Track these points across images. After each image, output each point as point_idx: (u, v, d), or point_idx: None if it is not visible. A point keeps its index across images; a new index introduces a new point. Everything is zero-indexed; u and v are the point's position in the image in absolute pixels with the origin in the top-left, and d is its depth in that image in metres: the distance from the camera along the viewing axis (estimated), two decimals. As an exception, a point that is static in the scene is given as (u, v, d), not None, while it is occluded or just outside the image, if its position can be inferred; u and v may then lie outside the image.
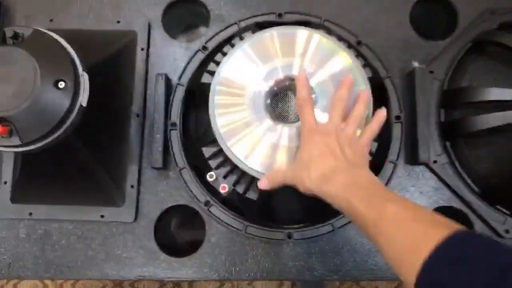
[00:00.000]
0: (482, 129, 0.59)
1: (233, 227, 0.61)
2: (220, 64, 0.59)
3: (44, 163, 0.59)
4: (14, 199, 0.63)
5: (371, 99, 0.57)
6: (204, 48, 0.66)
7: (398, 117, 0.64)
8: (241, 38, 0.63)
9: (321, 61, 0.57)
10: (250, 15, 0.67)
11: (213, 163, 0.59)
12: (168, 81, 0.65)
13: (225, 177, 0.59)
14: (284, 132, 0.55)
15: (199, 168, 0.62)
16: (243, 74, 0.58)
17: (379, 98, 0.63)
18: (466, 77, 0.64)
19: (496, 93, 0.59)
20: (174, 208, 0.64)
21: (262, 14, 0.67)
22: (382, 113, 0.55)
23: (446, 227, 0.37)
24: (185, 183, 0.62)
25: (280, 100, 0.60)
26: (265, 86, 0.57)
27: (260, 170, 0.55)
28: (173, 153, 0.63)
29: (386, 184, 0.63)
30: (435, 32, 0.71)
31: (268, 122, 0.56)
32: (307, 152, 0.51)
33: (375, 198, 0.44)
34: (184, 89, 0.65)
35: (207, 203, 0.61)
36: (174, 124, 0.63)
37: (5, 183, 0.64)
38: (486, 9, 0.67)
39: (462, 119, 0.62)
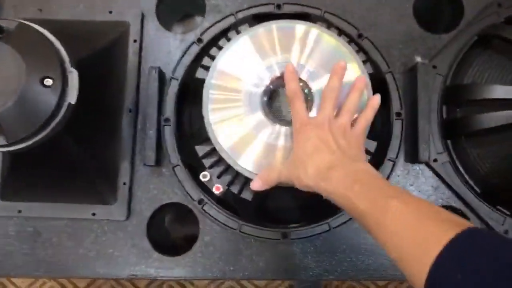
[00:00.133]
0: (485, 128, 0.57)
1: (227, 226, 0.60)
2: (216, 58, 0.57)
3: (34, 160, 0.57)
4: (2, 196, 0.62)
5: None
6: (199, 40, 0.63)
7: (398, 114, 0.62)
8: (238, 32, 0.60)
9: (320, 58, 0.55)
10: (248, 5, 0.65)
11: (206, 162, 0.57)
12: (161, 74, 0.63)
13: (219, 176, 0.57)
14: (281, 132, 0.54)
15: (193, 166, 0.60)
16: (239, 69, 0.56)
17: (380, 94, 0.61)
18: (470, 72, 0.62)
19: (501, 91, 0.57)
20: (168, 206, 0.63)
21: (260, 5, 0.64)
22: (376, 99, 0.53)
23: (455, 225, 0.35)
24: (179, 180, 0.61)
25: (277, 98, 0.58)
26: (262, 83, 0.55)
27: (253, 170, 0.53)
28: (167, 150, 0.61)
29: (385, 183, 0.61)
30: (439, 25, 0.68)
31: (264, 121, 0.54)
32: (302, 147, 0.49)
33: (376, 193, 0.42)
34: (178, 83, 0.62)
35: (201, 202, 0.60)
36: (167, 120, 0.61)
37: (-6, 179, 0.62)
38: (492, 1, 0.64)
39: (464, 118, 0.60)
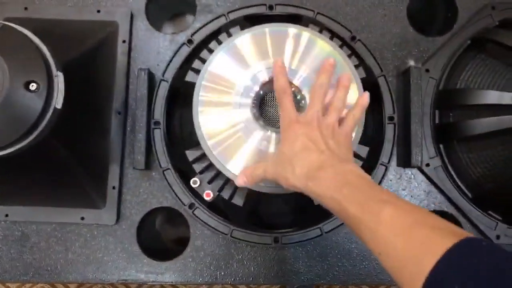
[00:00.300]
0: (478, 133, 0.57)
1: (218, 230, 0.59)
2: (207, 61, 0.55)
3: (21, 164, 0.56)
4: (-11, 200, 0.60)
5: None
6: (190, 41, 0.62)
7: (391, 118, 0.61)
8: (229, 35, 0.59)
9: (313, 63, 0.54)
10: (239, 6, 0.63)
11: (197, 167, 0.56)
12: (151, 76, 0.61)
13: (210, 182, 0.56)
14: (272, 137, 0.53)
15: (184, 170, 0.59)
16: (231, 73, 0.54)
17: (373, 97, 0.61)
18: (463, 76, 0.62)
19: (493, 96, 0.57)
20: (158, 210, 0.62)
21: (252, 6, 0.63)
22: (364, 97, 0.52)
23: (451, 234, 0.34)
24: (169, 184, 0.60)
25: (268, 103, 0.57)
26: (253, 87, 0.54)
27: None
28: (156, 153, 0.60)
29: (377, 187, 0.61)
30: (432, 27, 0.68)
31: (254, 125, 0.53)
32: (289, 146, 0.47)
33: (368, 198, 0.40)
34: (168, 85, 0.61)
35: (191, 206, 0.59)
36: (157, 123, 0.60)
37: (-20, 183, 0.61)
38: (486, 4, 0.64)
39: (457, 122, 0.60)
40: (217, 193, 0.56)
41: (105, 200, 0.60)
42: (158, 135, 0.60)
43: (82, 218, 0.60)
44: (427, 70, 0.62)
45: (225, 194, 0.56)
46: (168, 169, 0.59)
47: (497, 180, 0.59)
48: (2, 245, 0.61)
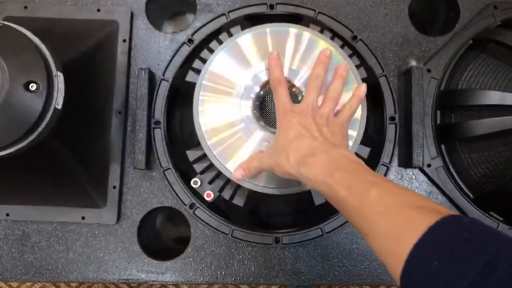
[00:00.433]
0: (479, 134, 0.57)
1: (219, 230, 0.59)
2: (208, 61, 0.55)
3: (22, 163, 0.56)
4: (-11, 199, 0.60)
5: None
6: (190, 41, 0.62)
7: (392, 118, 0.61)
8: (230, 34, 0.59)
9: (313, 63, 0.54)
10: (240, 5, 0.63)
11: (198, 167, 0.56)
12: (151, 75, 0.61)
13: (210, 182, 0.56)
14: (272, 137, 0.52)
15: (185, 170, 0.59)
16: (231, 73, 0.54)
17: (374, 97, 0.61)
18: (465, 76, 0.61)
19: (495, 97, 0.56)
20: (158, 210, 0.62)
21: (253, 5, 0.63)
22: (361, 89, 0.52)
23: (434, 212, 0.33)
24: (170, 184, 0.60)
25: (269, 103, 0.57)
26: (254, 87, 0.54)
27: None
28: (157, 153, 0.60)
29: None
30: (434, 27, 0.67)
31: (255, 125, 0.53)
32: (284, 135, 0.47)
33: (358, 181, 0.40)
34: (168, 84, 0.61)
35: (192, 206, 0.59)
36: (158, 122, 0.60)
37: (-19, 182, 0.61)
38: (488, 3, 0.63)
39: (458, 123, 0.59)
40: (218, 193, 0.56)
41: (106, 200, 0.60)
42: (159, 134, 0.60)
43: (83, 218, 0.60)
44: (429, 70, 0.62)
45: (226, 195, 0.56)
46: (169, 168, 0.59)
47: (498, 180, 0.59)
48: (3, 244, 0.61)
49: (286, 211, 0.62)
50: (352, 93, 0.52)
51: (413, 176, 0.62)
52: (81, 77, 0.58)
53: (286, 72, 0.54)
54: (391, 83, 0.62)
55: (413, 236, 0.32)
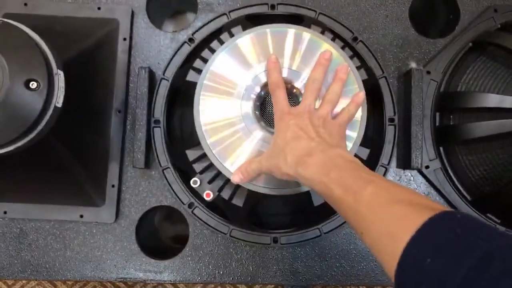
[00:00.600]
0: (478, 137, 0.57)
1: (217, 230, 0.59)
2: (209, 61, 0.55)
3: (20, 161, 0.56)
4: (-13, 197, 0.60)
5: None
6: (191, 40, 0.62)
7: (392, 119, 0.61)
8: (231, 34, 0.59)
9: (313, 64, 0.54)
10: (241, 5, 0.63)
11: (198, 166, 0.56)
12: (151, 74, 0.61)
13: (210, 182, 0.56)
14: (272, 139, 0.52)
15: (184, 169, 0.59)
16: (232, 73, 0.54)
17: (374, 98, 0.61)
18: (465, 79, 0.62)
19: (494, 100, 0.57)
20: (157, 209, 0.62)
21: (254, 5, 0.63)
22: (359, 96, 0.53)
23: (428, 209, 0.33)
24: (168, 183, 0.59)
25: (270, 104, 0.57)
26: (254, 88, 0.54)
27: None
28: (156, 152, 0.60)
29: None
30: (434, 29, 0.67)
31: (255, 126, 0.53)
32: (281, 136, 0.48)
33: (354, 180, 0.40)
34: (168, 84, 0.61)
35: (191, 205, 0.59)
36: (157, 121, 0.60)
37: (-22, 179, 0.60)
38: (488, 6, 0.64)
39: (457, 126, 0.60)
40: (217, 193, 0.56)
41: (104, 198, 0.60)
42: (158, 133, 0.60)
43: (81, 216, 0.60)
44: (428, 72, 0.62)
45: (225, 195, 0.56)
46: (168, 168, 0.59)
47: (496, 183, 0.59)
48: (0, 242, 0.61)
49: (285, 212, 0.62)
50: (351, 99, 0.52)
51: (412, 177, 0.63)
52: (81, 76, 0.58)
53: (286, 73, 0.54)
54: (391, 84, 0.62)
55: (407, 233, 0.32)
